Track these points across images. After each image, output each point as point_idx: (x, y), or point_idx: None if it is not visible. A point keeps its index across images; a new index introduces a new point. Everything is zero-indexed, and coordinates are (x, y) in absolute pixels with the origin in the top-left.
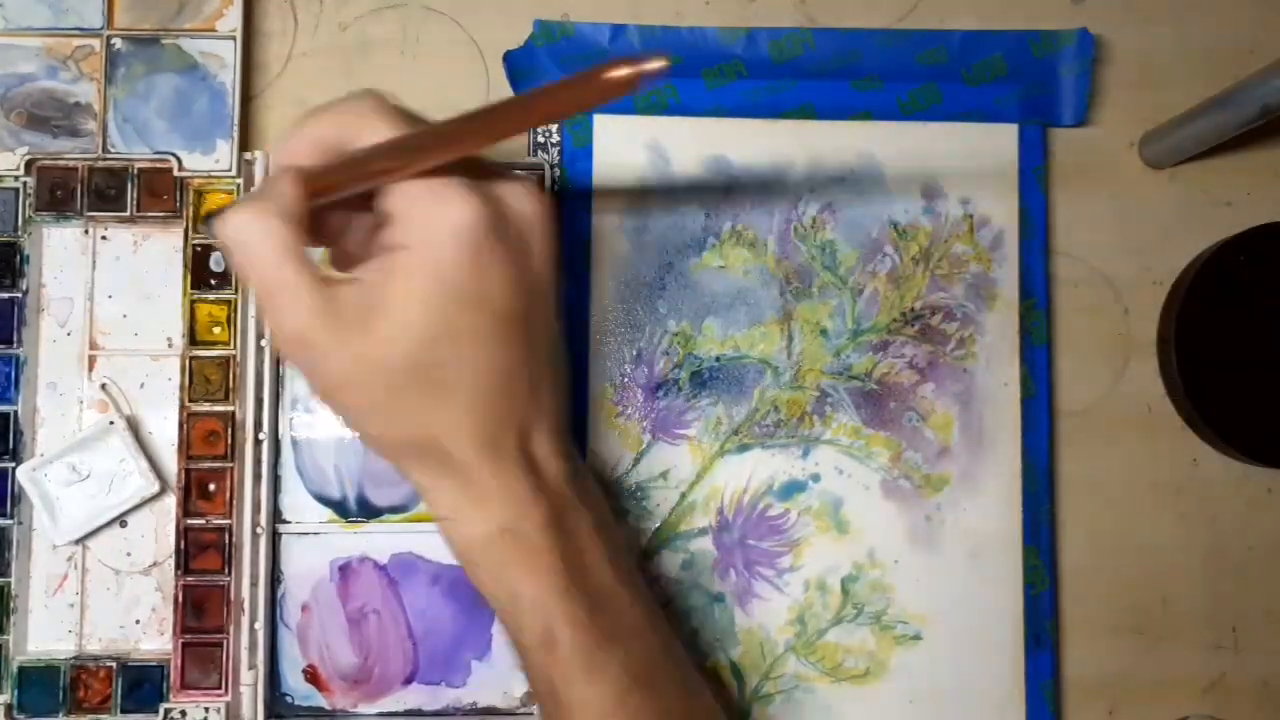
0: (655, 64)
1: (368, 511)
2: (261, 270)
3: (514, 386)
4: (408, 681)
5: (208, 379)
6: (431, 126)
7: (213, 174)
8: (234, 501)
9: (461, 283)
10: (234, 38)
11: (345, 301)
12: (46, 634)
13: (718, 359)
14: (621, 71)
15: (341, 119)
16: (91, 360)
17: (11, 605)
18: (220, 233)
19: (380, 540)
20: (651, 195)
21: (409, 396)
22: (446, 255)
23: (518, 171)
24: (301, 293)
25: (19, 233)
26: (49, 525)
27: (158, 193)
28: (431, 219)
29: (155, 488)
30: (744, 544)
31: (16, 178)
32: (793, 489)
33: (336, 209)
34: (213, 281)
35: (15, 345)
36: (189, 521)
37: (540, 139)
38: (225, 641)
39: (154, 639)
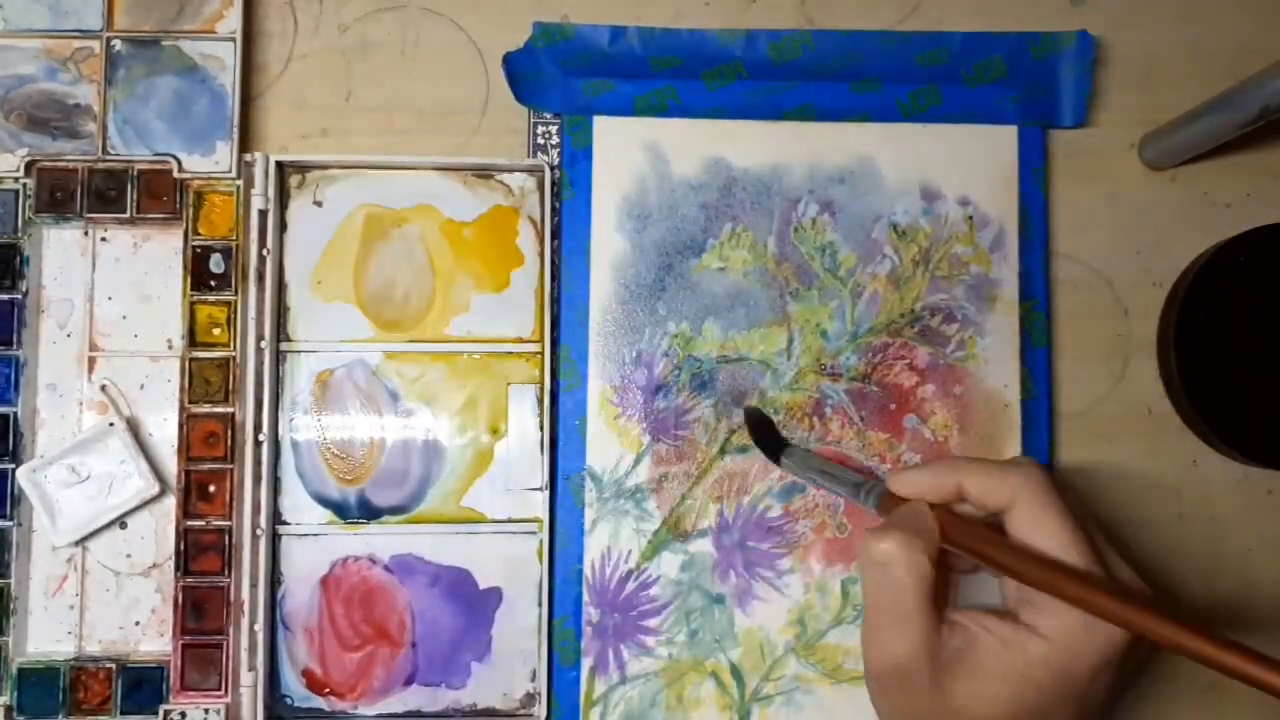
0: None
1: (368, 513)
2: (893, 595)
3: None
4: (408, 683)
5: (207, 380)
6: (1108, 590)
7: (212, 175)
8: (234, 503)
9: (1076, 685)
10: (234, 39)
11: (954, 652)
12: (46, 635)
13: (717, 360)
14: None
15: (1006, 488)
16: (91, 361)
17: (11, 606)
18: (871, 550)
19: (380, 541)
20: (651, 196)
21: None
22: (1081, 661)
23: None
24: (923, 630)
25: (19, 234)
26: (48, 526)
27: (157, 194)
28: (1081, 627)
29: (155, 489)
30: (744, 545)
31: (16, 179)
32: (792, 491)
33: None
34: (212, 283)
35: (15, 347)
36: (189, 523)
37: (540, 140)
38: (225, 643)
39: (154, 640)
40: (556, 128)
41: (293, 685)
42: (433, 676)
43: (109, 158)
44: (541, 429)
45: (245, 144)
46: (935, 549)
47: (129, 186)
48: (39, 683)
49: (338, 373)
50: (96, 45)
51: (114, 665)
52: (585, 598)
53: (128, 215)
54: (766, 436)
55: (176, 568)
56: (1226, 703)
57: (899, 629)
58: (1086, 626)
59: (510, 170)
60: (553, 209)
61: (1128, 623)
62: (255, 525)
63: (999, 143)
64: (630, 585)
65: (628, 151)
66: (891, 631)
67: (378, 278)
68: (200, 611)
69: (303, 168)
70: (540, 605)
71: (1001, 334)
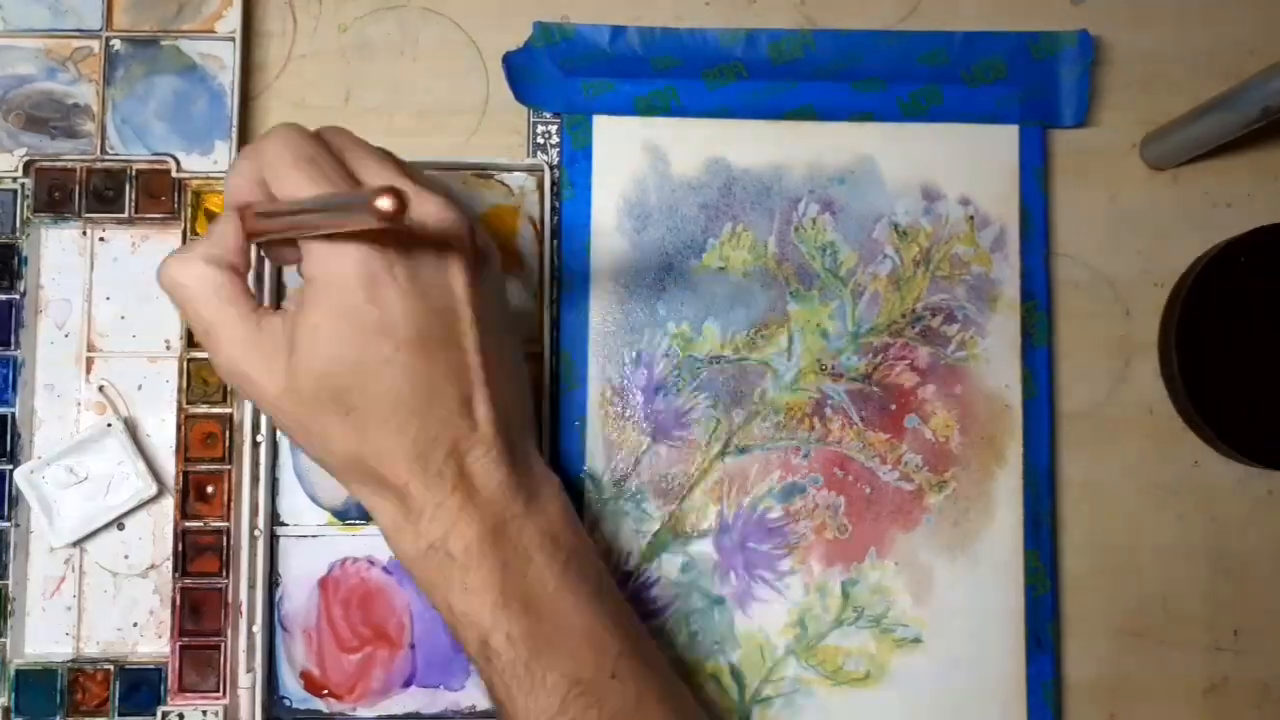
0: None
1: (366, 514)
2: (196, 310)
3: (438, 406)
4: (406, 684)
5: (205, 381)
6: (329, 197)
7: (211, 175)
8: (232, 504)
9: (360, 313)
10: (233, 39)
11: (274, 333)
12: (44, 637)
13: (718, 361)
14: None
15: (260, 158)
16: (89, 362)
17: (9, 608)
18: (160, 281)
19: (378, 542)
20: (651, 196)
21: (327, 421)
22: (343, 287)
23: (431, 174)
24: (232, 327)
25: (17, 234)
26: (46, 527)
27: (156, 194)
28: (330, 252)
29: (153, 490)
30: (744, 547)
31: (15, 179)
32: (793, 491)
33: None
34: None
35: (13, 347)
36: (187, 524)
37: (540, 140)
38: (223, 644)
39: (152, 642)
40: (556, 127)
41: (291, 687)
42: (431, 678)
43: (108, 157)
44: (541, 430)
45: (244, 144)
46: (231, 250)
47: (127, 186)
48: (37, 684)
49: None
50: (95, 45)
51: (112, 667)
52: None
53: (126, 215)
54: None
55: (174, 569)
56: (1226, 703)
57: (215, 337)
58: (336, 246)
59: (510, 170)
60: (553, 209)
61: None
62: (253, 526)
63: (999, 143)
64: (630, 587)
65: (628, 151)
66: (211, 342)
67: None
68: (198, 613)
69: None
70: None
71: (1002, 334)
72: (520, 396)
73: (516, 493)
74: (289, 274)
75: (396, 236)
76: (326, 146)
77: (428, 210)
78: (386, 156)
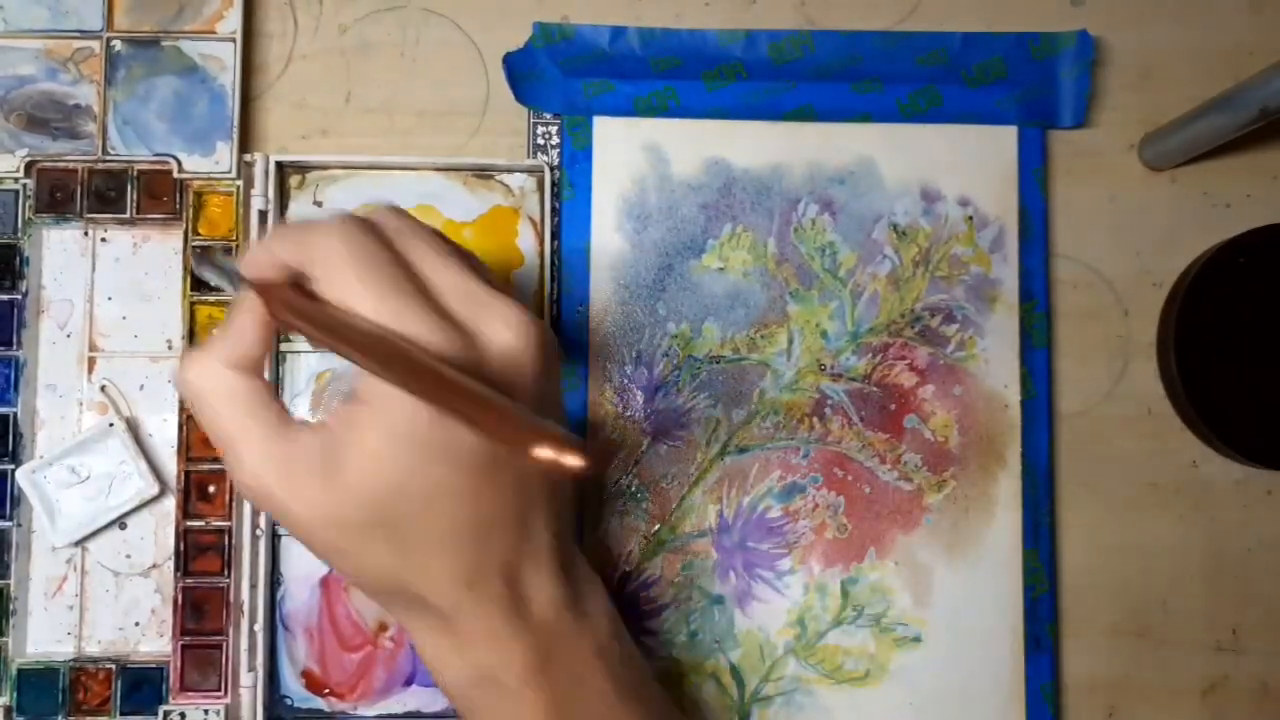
0: (573, 461)
1: None
2: (217, 419)
3: (495, 530)
4: (407, 683)
5: None
6: (410, 356)
7: (213, 176)
8: (234, 503)
9: (425, 436)
10: (234, 40)
11: (305, 453)
12: (46, 636)
13: (717, 361)
14: (544, 453)
15: (308, 251)
16: (91, 362)
17: (11, 607)
18: (177, 384)
19: None
20: (651, 196)
21: (374, 547)
22: (404, 407)
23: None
24: (256, 444)
25: (19, 235)
26: (48, 527)
27: (157, 195)
28: (386, 387)
29: (155, 489)
30: (744, 546)
31: (16, 180)
32: (792, 491)
33: None
34: (212, 284)
35: (15, 347)
36: (188, 523)
37: (540, 140)
38: (225, 644)
39: (153, 641)
40: (556, 128)
41: (292, 686)
42: (432, 678)
43: (109, 158)
44: None
45: (245, 144)
46: (253, 349)
47: (129, 187)
48: (38, 683)
49: (337, 372)
50: (96, 45)
51: (114, 666)
52: None
53: (128, 216)
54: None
55: (176, 568)
56: (1227, 703)
57: (236, 452)
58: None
59: (510, 170)
60: (553, 209)
61: (414, 380)
62: (255, 526)
63: (999, 143)
64: (630, 586)
65: (627, 152)
66: (232, 456)
67: None
68: (200, 612)
69: (303, 168)
70: None
71: (1001, 334)
72: (569, 503)
73: (569, 609)
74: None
75: (467, 350)
76: (386, 242)
77: (493, 322)
78: (453, 251)
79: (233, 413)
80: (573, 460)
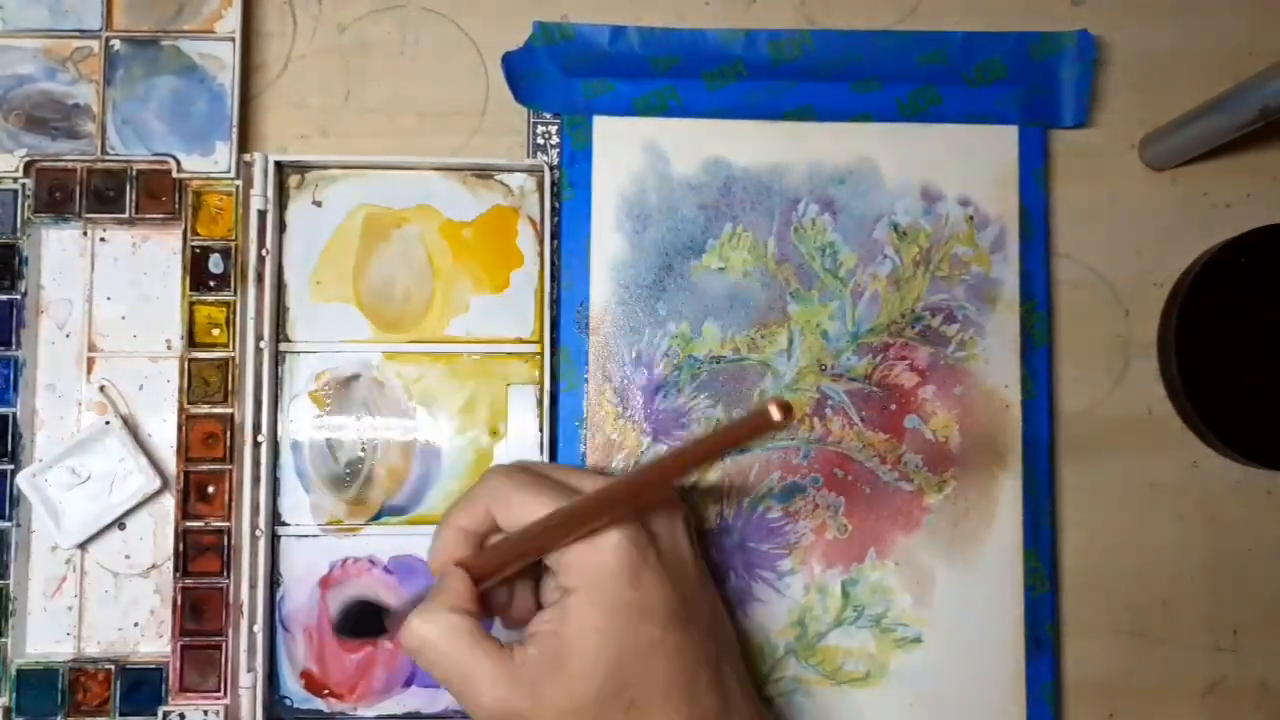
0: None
1: (365, 515)
2: (447, 661)
3: (701, 677)
4: (407, 684)
5: (206, 381)
6: (576, 504)
7: (212, 176)
8: (233, 504)
9: (629, 601)
10: (233, 39)
11: (530, 661)
12: (45, 636)
13: (717, 361)
14: (775, 414)
15: (480, 506)
16: (90, 362)
17: (10, 608)
18: (405, 641)
19: (379, 542)
20: (651, 196)
21: (614, 718)
22: (610, 582)
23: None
24: (488, 669)
25: (18, 234)
26: (53, 530)
27: (156, 194)
28: (590, 557)
29: (156, 484)
30: (744, 546)
31: (15, 179)
32: (793, 491)
33: (499, 586)
34: (211, 283)
35: (14, 347)
36: (188, 524)
37: (540, 140)
38: (224, 644)
39: (153, 641)
40: (556, 128)
41: (292, 686)
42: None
43: (108, 158)
44: (541, 430)
45: (244, 144)
46: (463, 597)
47: (128, 187)
48: (38, 684)
49: (337, 372)
50: (95, 45)
51: (113, 666)
52: None
53: (127, 215)
54: (368, 624)
55: (175, 569)
56: (1227, 703)
57: (472, 684)
58: (588, 550)
59: (510, 170)
60: (552, 209)
61: (597, 511)
62: (254, 526)
63: (999, 143)
64: None
65: (627, 151)
66: (469, 690)
67: (377, 278)
68: (199, 613)
69: (302, 168)
70: None
71: (1002, 334)
72: (739, 647)
73: None
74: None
75: (638, 525)
76: (532, 470)
77: (651, 500)
78: (584, 469)
79: (463, 649)
80: (775, 412)
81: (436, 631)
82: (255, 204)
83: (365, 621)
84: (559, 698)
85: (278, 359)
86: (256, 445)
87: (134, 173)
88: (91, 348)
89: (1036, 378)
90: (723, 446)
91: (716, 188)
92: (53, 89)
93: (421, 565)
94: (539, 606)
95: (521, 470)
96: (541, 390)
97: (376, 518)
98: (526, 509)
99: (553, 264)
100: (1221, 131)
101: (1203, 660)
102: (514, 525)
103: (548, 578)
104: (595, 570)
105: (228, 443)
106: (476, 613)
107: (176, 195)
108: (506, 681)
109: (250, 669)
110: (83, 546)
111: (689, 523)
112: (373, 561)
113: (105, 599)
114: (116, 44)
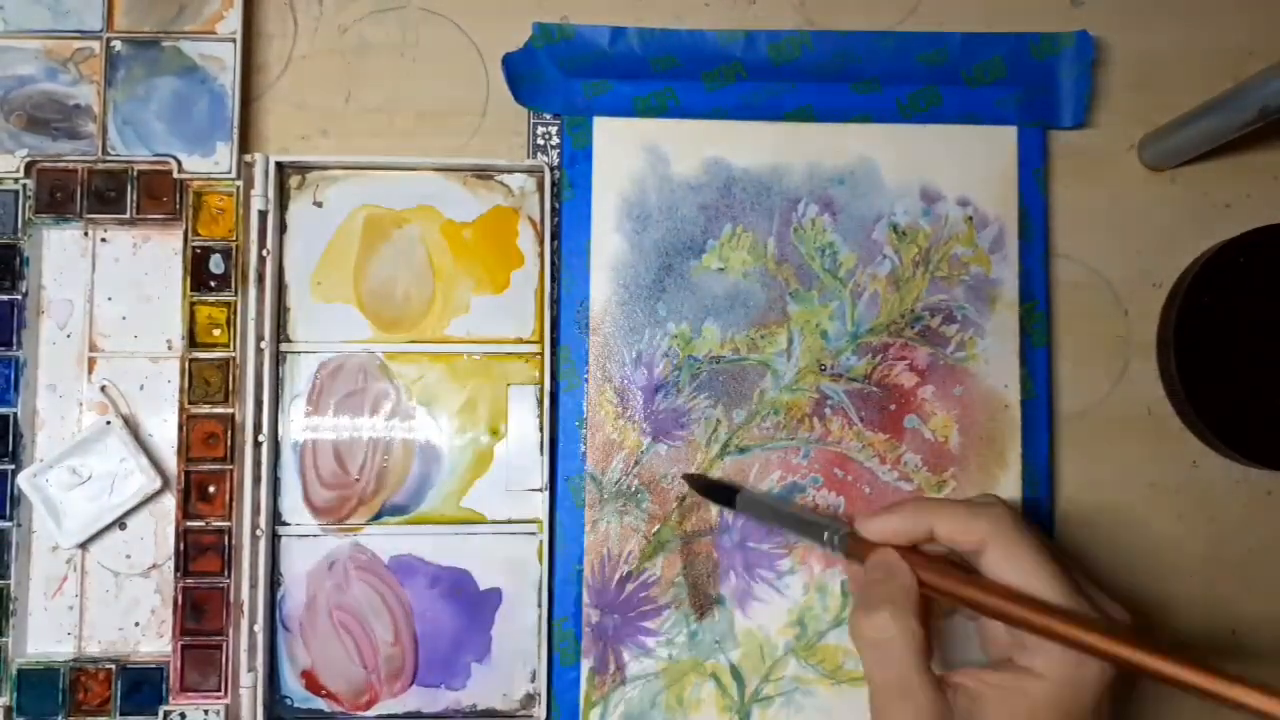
0: None
1: (363, 515)
2: (894, 671)
3: None
4: (407, 684)
5: (207, 381)
6: (1085, 620)
7: (212, 176)
8: (233, 504)
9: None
10: (234, 40)
11: (959, 710)
12: (46, 636)
13: (717, 361)
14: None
15: (977, 529)
16: (91, 362)
17: (11, 607)
18: (862, 629)
19: (380, 542)
20: (651, 197)
21: None
22: (1083, 697)
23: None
24: (924, 697)
25: (19, 235)
26: (54, 529)
27: (157, 195)
28: (1074, 666)
29: (157, 484)
30: (744, 546)
31: (16, 180)
32: (793, 491)
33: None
34: (212, 284)
35: (15, 347)
36: (188, 524)
37: (540, 140)
38: (225, 644)
39: (153, 641)
40: (556, 128)
41: (293, 686)
42: (432, 677)
43: (109, 158)
44: (541, 430)
45: (245, 145)
46: (919, 606)
47: (129, 187)
48: (39, 684)
49: (337, 372)
50: (96, 46)
51: (114, 666)
52: (585, 599)
53: (127, 216)
54: (715, 490)
55: (176, 568)
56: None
57: (907, 703)
58: (1080, 661)
59: (510, 171)
60: (552, 209)
61: (1116, 656)
62: (255, 526)
63: (999, 143)
64: (630, 586)
65: (627, 152)
66: (899, 707)
67: (377, 278)
68: (200, 612)
69: (303, 168)
70: (540, 606)
71: (1001, 334)
72: None
73: None
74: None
75: (1114, 672)
76: (1040, 534)
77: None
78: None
79: (910, 662)
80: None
81: (903, 636)
82: (256, 204)
83: (717, 488)
84: None
85: (278, 359)
86: (257, 445)
87: (135, 173)
88: (92, 348)
89: (1036, 378)
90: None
91: (716, 188)
92: (54, 90)
93: (422, 565)
94: None
95: (1031, 525)
96: (541, 390)
97: (377, 518)
98: (1026, 571)
99: (553, 264)
100: (1221, 131)
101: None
102: (998, 573)
103: (1002, 638)
104: (1075, 676)
105: (228, 443)
106: (926, 627)
107: (177, 196)
108: (933, 713)
109: (251, 669)
110: (83, 546)
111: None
112: (373, 561)
113: (106, 599)
114: (117, 45)
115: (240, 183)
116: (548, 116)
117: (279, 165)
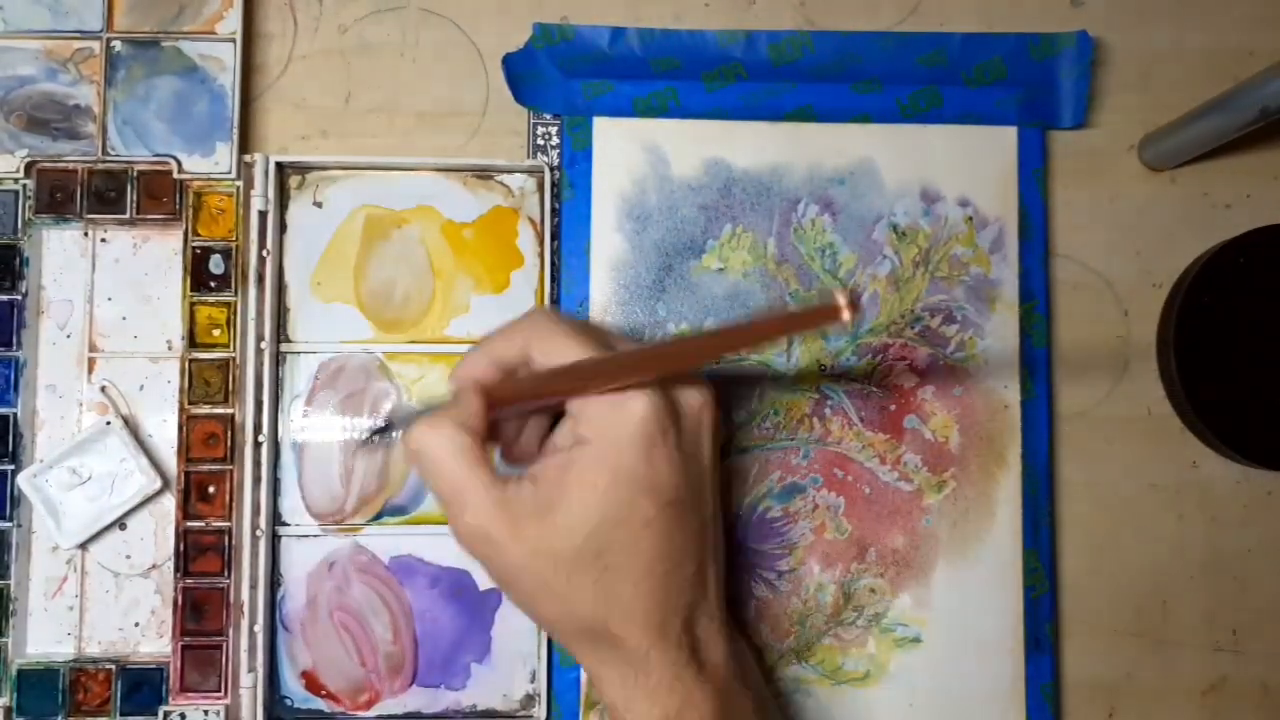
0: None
1: (364, 513)
2: (442, 473)
3: (681, 571)
4: (407, 684)
5: (207, 381)
6: (613, 356)
7: (212, 177)
8: (233, 504)
9: (636, 472)
10: (234, 40)
11: (521, 497)
12: (46, 636)
13: (717, 361)
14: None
15: (520, 338)
16: (91, 362)
17: (11, 608)
18: (407, 444)
19: (380, 542)
20: (651, 197)
21: (583, 581)
22: (624, 447)
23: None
24: (480, 491)
25: (19, 235)
26: (54, 530)
27: (157, 195)
28: (611, 415)
29: (157, 484)
30: (744, 546)
31: (16, 180)
32: (792, 491)
33: (511, 419)
34: (212, 284)
35: (15, 348)
36: (188, 524)
37: (540, 141)
38: (225, 644)
39: (153, 641)
40: (556, 129)
41: (292, 686)
42: (432, 678)
43: (109, 159)
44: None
45: (245, 145)
46: (474, 417)
47: (129, 187)
48: (39, 684)
49: (337, 372)
50: (96, 46)
51: (113, 666)
52: None
53: (127, 216)
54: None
55: (176, 569)
56: (1227, 703)
57: (461, 500)
58: (613, 406)
59: (510, 171)
60: (552, 210)
61: (635, 368)
62: (255, 526)
63: (999, 144)
64: None
65: (627, 152)
66: (456, 505)
67: (377, 278)
68: (200, 613)
69: (303, 169)
70: None
71: (1001, 335)
72: (725, 563)
73: (732, 661)
74: None
75: (668, 401)
76: (576, 319)
77: (683, 384)
78: (626, 336)
79: (458, 465)
80: (844, 311)
81: (438, 441)
82: (256, 205)
83: (378, 429)
84: (537, 540)
85: (278, 359)
86: (257, 445)
87: (135, 174)
88: (92, 348)
89: (1036, 378)
90: (777, 333)
91: (716, 188)
92: (54, 90)
93: (422, 565)
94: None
95: (566, 315)
96: None
97: (377, 518)
98: (565, 350)
99: (553, 264)
100: (1221, 132)
101: (1203, 660)
102: (547, 363)
103: (564, 423)
104: (613, 430)
105: (228, 443)
106: (483, 434)
107: (177, 196)
108: (492, 508)
109: (251, 669)
110: (83, 546)
111: (717, 422)
112: (373, 562)
113: (106, 599)
114: (117, 45)
115: (240, 183)
116: (548, 117)
117: (279, 165)
